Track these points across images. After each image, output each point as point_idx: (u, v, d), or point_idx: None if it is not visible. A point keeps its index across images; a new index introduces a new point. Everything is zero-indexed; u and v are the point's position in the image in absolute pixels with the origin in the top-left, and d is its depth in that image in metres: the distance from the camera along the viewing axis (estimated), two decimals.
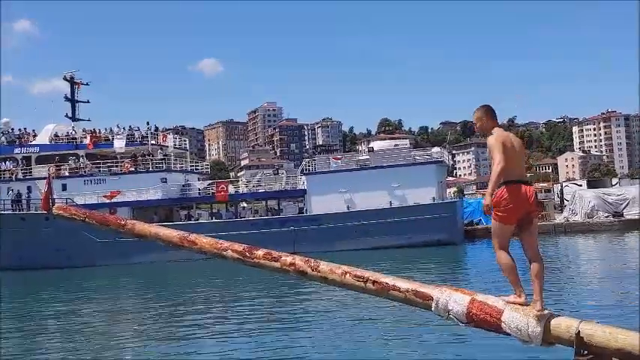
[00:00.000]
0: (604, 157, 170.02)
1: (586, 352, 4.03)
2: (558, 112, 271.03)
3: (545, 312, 4.32)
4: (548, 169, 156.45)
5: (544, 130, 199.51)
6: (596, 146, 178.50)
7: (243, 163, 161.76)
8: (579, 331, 4.05)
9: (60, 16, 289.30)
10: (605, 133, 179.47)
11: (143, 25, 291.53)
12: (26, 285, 28.48)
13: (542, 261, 4.64)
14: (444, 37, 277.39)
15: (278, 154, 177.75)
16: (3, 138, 41.92)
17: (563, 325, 4.19)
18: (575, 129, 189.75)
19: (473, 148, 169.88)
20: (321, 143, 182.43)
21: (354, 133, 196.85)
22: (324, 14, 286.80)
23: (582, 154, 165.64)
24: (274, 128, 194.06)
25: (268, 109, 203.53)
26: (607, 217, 41.83)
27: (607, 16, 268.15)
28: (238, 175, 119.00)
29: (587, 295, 15.49)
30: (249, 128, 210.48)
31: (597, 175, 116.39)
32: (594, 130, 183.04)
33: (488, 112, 4.83)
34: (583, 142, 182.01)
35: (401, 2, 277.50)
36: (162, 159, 39.47)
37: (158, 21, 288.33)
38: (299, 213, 38.65)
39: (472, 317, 4.54)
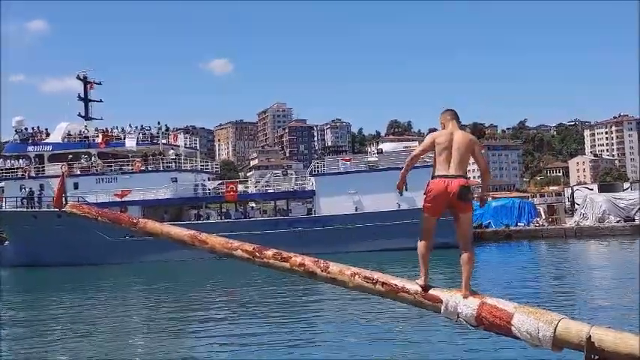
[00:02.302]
0: (616, 161, 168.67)
1: (597, 357, 4.01)
2: (570, 115, 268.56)
3: (556, 315, 4.32)
4: (559, 172, 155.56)
5: (555, 133, 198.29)
6: (607, 150, 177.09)
7: (252, 163, 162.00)
8: (590, 336, 4.03)
9: (70, 15, 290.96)
10: (617, 137, 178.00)
11: (150, 25, 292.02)
12: (36, 282, 28.69)
13: (472, 251, 5.13)
14: (449, 37, 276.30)
15: (287, 154, 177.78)
16: (16, 136, 42.28)
17: (574, 329, 4.18)
18: (586, 132, 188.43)
19: (482, 151, 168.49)
20: (330, 144, 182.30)
21: (363, 135, 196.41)
22: (334, 15, 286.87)
23: (594, 158, 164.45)
24: (284, 129, 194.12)
25: (278, 110, 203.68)
26: (618, 221, 41.53)
27: (610, 16, 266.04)
28: (247, 175, 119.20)
29: (598, 299, 15.37)
30: (259, 129, 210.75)
31: (609, 179, 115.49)
32: (606, 133, 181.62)
33: (449, 114, 5.39)
34: (595, 145, 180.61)
35: (410, 1, 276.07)
36: (172, 159, 39.70)
37: (166, 20, 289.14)
38: (307, 214, 38.65)
39: (482, 320, 4.55)
